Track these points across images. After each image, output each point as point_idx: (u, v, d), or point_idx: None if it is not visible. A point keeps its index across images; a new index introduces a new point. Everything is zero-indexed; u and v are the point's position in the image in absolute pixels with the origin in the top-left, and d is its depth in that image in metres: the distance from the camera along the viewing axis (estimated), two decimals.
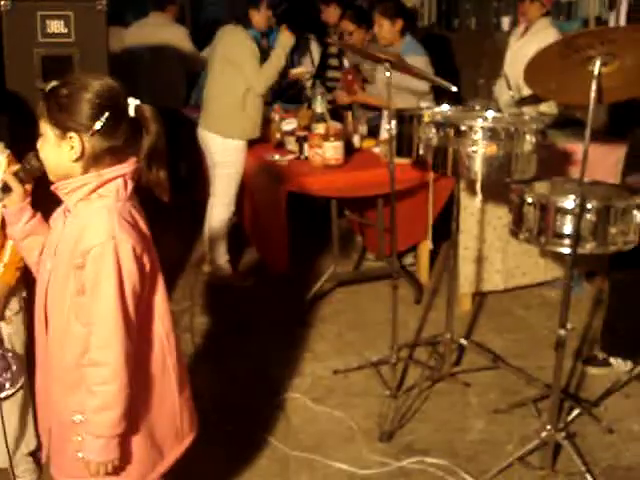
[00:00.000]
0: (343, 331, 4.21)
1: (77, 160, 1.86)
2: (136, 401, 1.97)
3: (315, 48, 6.15)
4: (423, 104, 4.24)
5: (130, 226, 1.88)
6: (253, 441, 3.20)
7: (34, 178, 2.02)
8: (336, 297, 4.60)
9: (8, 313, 2.63)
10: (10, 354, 2.53)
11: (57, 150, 1.87)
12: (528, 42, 4.82)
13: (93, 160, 1.87)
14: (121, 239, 1.84)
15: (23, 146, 2.06)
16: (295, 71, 4.89)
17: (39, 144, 1.91)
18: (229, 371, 3.76)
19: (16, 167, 2.02)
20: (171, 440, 2.13)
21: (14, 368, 2.49)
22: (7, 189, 2.00)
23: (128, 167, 1.92)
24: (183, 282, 4.83)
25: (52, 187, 1.94)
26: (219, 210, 4.67)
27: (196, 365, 3.79)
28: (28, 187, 2.05)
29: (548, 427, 2.97)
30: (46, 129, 1.87)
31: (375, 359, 3.73)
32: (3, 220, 2.14)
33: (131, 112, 1.89)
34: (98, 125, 1.83)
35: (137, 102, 1.90)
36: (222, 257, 4.73)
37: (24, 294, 2.70)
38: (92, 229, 1.84)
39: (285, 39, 4.49)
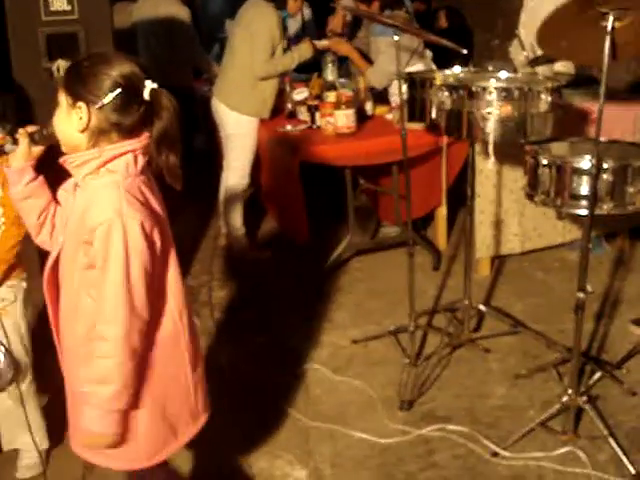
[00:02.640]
0: (361, 300, 4.19)
1: (83, 131, 1.87)
2: (148, 378, 1.97)
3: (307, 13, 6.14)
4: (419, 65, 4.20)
5: (139, 202, 1.87)
6: (273, 412, 3.20)
7: (48, 146, 2.03)
8: (353, 266, 4.58)
9: (2, 304, 2.58)
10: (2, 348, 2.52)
11: (67, 119, 1.88)
12: (542, 1, 4.71)
13: (98, 134, 1.87)
14: (128, 216, 1.83)
15: (29, 125, 2.06)
16: (322, 43, 4.81)
17: (55, 113, 1.93)
18: (248, 343, 3.76)
19: (34, 128, 2.02)
20: (185, 419, 2.12)
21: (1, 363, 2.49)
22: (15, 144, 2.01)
23: (138, 142, 1.91)
24: (200, 256, 4.83)
25: (60, 160, 1.94)
26: (233, 182, 4.64)
27: (216, 338, 3.80)
28: (37, 151, 2.03)
29: (570, 391, 2.95)
30: (61, 97, 1.88)
31: (393, 327, 3.72)
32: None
33: (146, 95, 1.88)
34: (107, 99, 1.83)
35: (154, 86, 1.89)
36: (238, 230, 4.71)
37: (24, 284, 2.66)
38: (99, 205, 1.84)
39: (305, 50, 4.55)
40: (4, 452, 2.88)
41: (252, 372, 3.49)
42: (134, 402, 1.95)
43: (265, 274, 4.55)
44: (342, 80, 4.96)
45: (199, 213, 5.32)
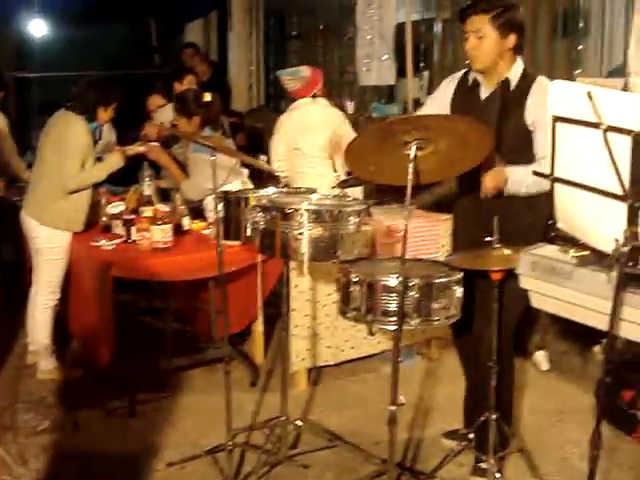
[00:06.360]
0: (177, 420, 4.07)
1: None
2: None
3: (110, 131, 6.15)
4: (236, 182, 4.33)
5: None
6: None
7: None
8: (169, 384, 4.45)
9: None
10: None
11: None
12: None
13: None
14: None
15: None
16: (138, 148, 4.80)
17: None
18: (54, 471, 3.53)
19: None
20: None
21: None
22: None
23: None
24: (5, 376, 4.54)
25: None
26: (43, 299, 4.48)
27: (18, 465, 3.53)
28: None
29: None
30: None
31: (210, 447, 3.63)
32: None
33: None
34: None
35: None
36: (46, 348, 4.50)
37: None
38: None
39: (116, 160, 4.57)
40: None
41: None
42: None
43: (74, 395, 4.33)
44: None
45: (5, 328, 5.02)
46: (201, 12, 10.06)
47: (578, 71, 5.29)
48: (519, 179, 3.19)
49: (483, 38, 3.22)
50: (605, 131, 1.97)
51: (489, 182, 3.20)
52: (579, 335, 4.72)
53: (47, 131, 4.52)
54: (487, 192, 3.22)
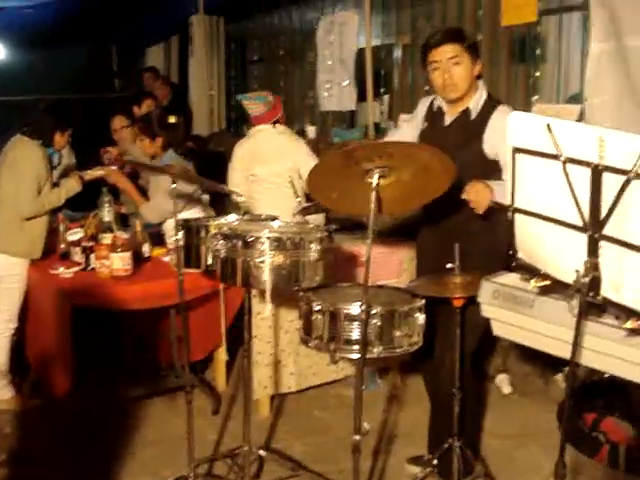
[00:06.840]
0: (138, 449, 4.00)
1: None
2: None
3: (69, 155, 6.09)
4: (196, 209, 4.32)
5: None
6: None
7: None
8: (129, 413, 4.38)
9: None
10: None
11: None
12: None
13: None
14: None
15: None
16: (96, 173, 4.76)
17: None
18: None
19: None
20: None
21: None
22: None
23: None
24: None
25: None
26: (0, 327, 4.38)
27: None
28: None
29: None
30: None
31: (172, 478, 3.56)
32: None
33: None
34: None
35: None
36: (3, 377, 4.40)
37: None
38: None
39: (72, 185, 4.54)
40: None
41: None
42: None
43: (32, 427, 4.23)
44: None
45: None
46: (162, 37, 10.06)
47: (535, 97, 5.35)
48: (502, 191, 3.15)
49: (459, 65, 3.25)
50: (564, 163, 1.99)
51: (481, 195, 3.08)
52: (540, 358, 4.75)
53: (2, 157, 4.46)
54: (481, 205, 3.09)
